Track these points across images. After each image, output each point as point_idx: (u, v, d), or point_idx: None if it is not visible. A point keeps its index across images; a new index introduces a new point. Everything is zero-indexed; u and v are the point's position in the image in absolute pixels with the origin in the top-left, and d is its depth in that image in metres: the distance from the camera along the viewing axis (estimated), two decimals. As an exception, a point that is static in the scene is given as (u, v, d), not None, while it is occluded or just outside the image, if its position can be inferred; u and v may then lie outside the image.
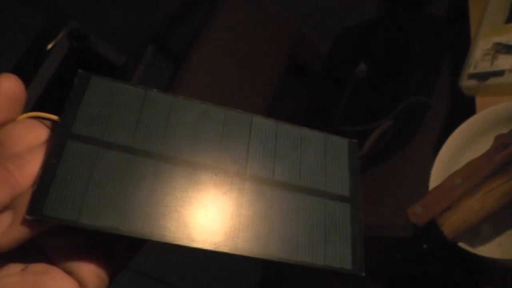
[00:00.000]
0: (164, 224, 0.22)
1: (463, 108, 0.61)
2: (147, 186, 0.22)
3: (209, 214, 0.22)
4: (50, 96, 1.10)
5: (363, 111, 1.09)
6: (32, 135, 0.21)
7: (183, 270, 1.13)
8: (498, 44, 0.55)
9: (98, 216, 0.21)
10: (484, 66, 0.56)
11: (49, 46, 1.22)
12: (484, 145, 0.44)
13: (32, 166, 0.20)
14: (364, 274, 0.24)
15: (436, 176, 0.45)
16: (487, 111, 0.47)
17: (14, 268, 0.21)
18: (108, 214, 0.21)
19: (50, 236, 0.21)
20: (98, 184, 0.21)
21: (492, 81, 0.55)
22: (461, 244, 0.40)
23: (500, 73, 0.54)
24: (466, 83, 0.57)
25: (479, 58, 0.57)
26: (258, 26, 1.17)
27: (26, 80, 1.15)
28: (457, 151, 0.47)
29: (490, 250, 0.41)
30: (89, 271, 0.21)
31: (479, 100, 0.56)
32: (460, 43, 0.85)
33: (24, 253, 0.20)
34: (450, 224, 0.39)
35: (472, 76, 0.57)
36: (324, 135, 0.29)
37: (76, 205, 0.21)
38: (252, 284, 1.26)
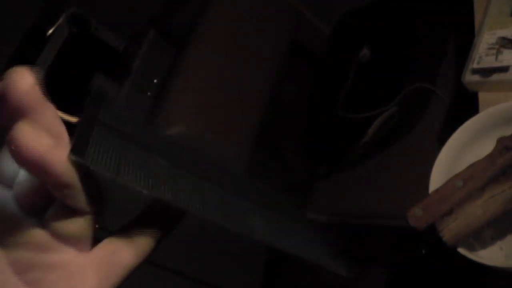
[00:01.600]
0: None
1: (467, 98, 0.61)
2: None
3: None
4: (50, 83, 1.09)
5: (366, 97, 1.08)
6: None
7: (189, 255, 1.14)
8: (503, 38, 0.54)
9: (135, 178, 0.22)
10: (488, 61, 0.55)
11: (49, 32, 1.21)
12: (486, 146, 0.44)
13: None
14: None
15: (437, 177, 0.44)
16: (490, 111, 0.47)
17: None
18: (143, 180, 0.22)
19: None
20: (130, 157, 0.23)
21: (496, 77, 0.54)
22: (461, 250, 0.40)
23: (504, 69, 0.54)
24: (469, 78, 0.56)
25: (483, 53, 0.56)
26: (259, 8, 1.15)
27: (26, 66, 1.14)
28: (458, 152, 0.46)
29: (491, 254, 0.41)
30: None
31: (481, 96, 0.55)
32: (465, 29, 0.83)
33: None
34: (450, 230, 0.39)
35: (476, 71, 0.56)
36: None
37: (114, 165, 0.21)
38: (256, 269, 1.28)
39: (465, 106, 0.54)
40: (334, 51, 1.20)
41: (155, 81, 1.12)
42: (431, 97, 0.88)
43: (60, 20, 1.27)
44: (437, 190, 0.43)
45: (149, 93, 1.10)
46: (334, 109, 0.99)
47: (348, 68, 1.10)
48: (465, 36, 0.73)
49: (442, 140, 0.55)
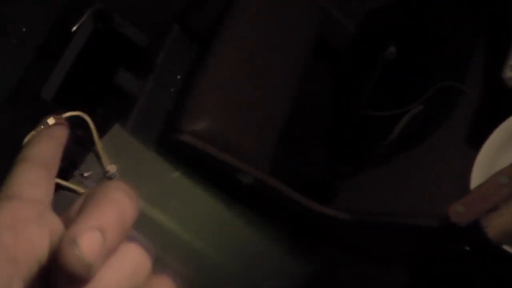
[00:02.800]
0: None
1: (500, 97, 0.59)
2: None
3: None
4: (75, 78, 1.11)
5: (392, 95, 1.07)
6: None
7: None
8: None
9: None
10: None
11: (74, 28, 1.22)
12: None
13: None
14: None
15: (479, 174, 0.43)
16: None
17: None
18: None
19: None
20: None
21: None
22: (506, 247, 0.39)
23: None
24: (508, 73, 0.55)
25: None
26: (285, 5, 1.15)
27: (51, 62, 1.16)
28: (499, 150, 0.45)
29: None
30: None
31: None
32: (495, 26, 0.81)
33: None
34: (496, 227, 0.38)
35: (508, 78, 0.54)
36: None
37: None
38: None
39: (497, 108, 0.53)
40: (360, 49, 1.19)
41: (178, 77, 1.12)
42: (459, 95, 0.87)
43: (85, 16, 1.28)
44: (480, 187, 0.42)
45: (172, 89, 1.10)
46: (358, 107, 0.98)
47: (373, 66, 1.09)
48: (495, 34, 0.71)
49: (471, 139, 0.54)
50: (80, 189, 0.29)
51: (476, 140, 0.59)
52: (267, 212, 0.64)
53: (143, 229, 0.19)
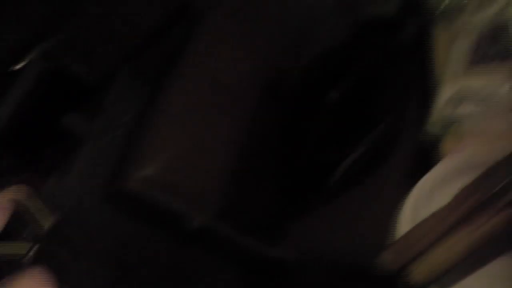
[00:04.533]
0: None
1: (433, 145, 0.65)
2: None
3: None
4: (20, 119, 1.09)
5: (335, 138, 1.13)
6: None
7: None
8: (464, 89, 0.59)
9: None
10: (447, 112, 0.60)
11: (18, 67, 1.21)
12: (451, 193, 0.48)
13: None
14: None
15: (405, 222, 0.48)
16: (450, 160, 0.51)
17: None
18: None
19: None
20: None
21: (455, 128, 0.58)
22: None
23: (462, 119, 0.58)
24: (431, 128, 0.61)
25: (442, 105, 0.60)
26: (237, 49, 1.19)
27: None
28: (424, 199, 0.50)
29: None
30: None
31: (444, 145, 0.60)
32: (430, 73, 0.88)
33: None
34: (418, 273, 0.42)
35: (436, 122, 0.60)
36: None
37: None
38: None
39: (431, 153, 0.59)
40: (304, 92, 1.24)
41: (126, 119, 1.12)
42: (399, 140, 0.93)
43: (32, 54, 1.27)
44: (405, 235, 0.46)
45: (120, 132, 1.10)
46: (303, 149, 1.02)
47: (317, 109, 1.14)
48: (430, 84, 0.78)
49: (409, 183, 0.59)
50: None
51: (413, 184, 0.64)
52: (219, 259, 0.66)
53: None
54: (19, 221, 0.38)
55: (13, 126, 1.12)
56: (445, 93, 0.60)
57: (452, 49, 0.65)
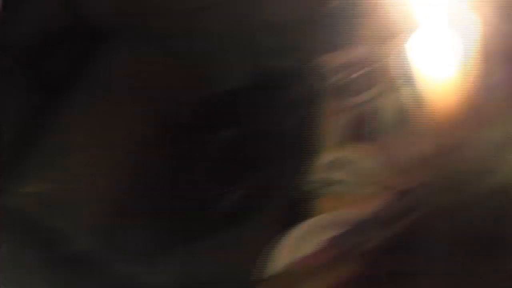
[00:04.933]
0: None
1: (308, 201, 0.75)
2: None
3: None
4: None
5: (217, 176, 1.19)
6: None
7: None
8: (336, 159, 0.70)
9: None
10: (323, 175, 0.70)
11: None
12: (317, 243, 0.56)
13: None
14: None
15: (275, 264, 0.55)
16: (321, 215, 0.61)
17: None
18: None
19: None
20: None
21: (328, 188, 0.69)
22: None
23: (335, 183, 0.69)
24: (307, 187, 0.71)
25: (319, 168, 0.71)
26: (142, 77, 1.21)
27: None
28: (294, 245, 0.58)
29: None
30: None
31: (317, 203, 0.70)
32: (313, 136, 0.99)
33: None
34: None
35: (313, 182, 0.71)
36: None
37: None
38: None
39: (304, 207, 0.68)
40: (196, 129, 1.30)
41: (12, 127, 1.06)
42: (278, 189, 1.03)
43: None
44: (274, 275, 0.53)
45: (6, 138, 1.04)
46: (184, 184, 1.07)
47: (205, 147, 1.20)
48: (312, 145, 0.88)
49: (282, 230, 0.67)
50: None
51: (285, 231, 0.72)
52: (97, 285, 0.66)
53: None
54: None
55: None
56: (323, 158, 0.70)
57: (334, 120, 0.77)
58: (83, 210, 0.87)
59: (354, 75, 0.82)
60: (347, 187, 0.66)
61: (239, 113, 1.33)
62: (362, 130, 0.74)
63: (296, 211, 0.87)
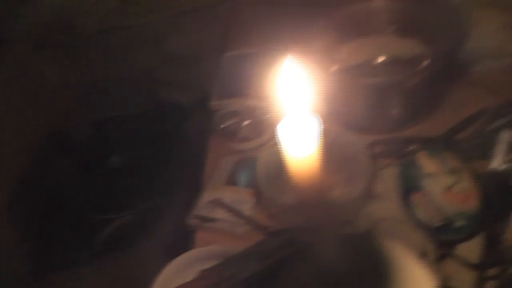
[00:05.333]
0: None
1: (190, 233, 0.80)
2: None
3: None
4: None
5: (107, 201, 1.20)
6: None
7: None
8: (217, 199, 0.78)
9: None
10: (205, 212, 0.77)
11: None
12: (194, 272, 0.63)
13: None
14: None
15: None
16: (194, 251, 0.68)
17: None
18: None
19: None
20: None
21: (209, 224, 0.76)
22: None
23: (215, 220, 0.77)
24: (191, 220, 0.77)
25: (203, 205, 0.78)
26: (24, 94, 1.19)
27: None
28: (175, 273, 0.65)
29: None
30: None
31: (198, 235, 0.76)
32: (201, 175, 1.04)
33: None
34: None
35: (196, 217, 0.77)
36: None
37: None
38: None
39: (188, 238, 0.74)
40: (88, 152, 1.30)
41: None
42: (164, 215, 1.07)
43: None
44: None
45: None
46: (75, 206, 1.07)
47: (97, 171, 1.21)
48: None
49: (165, 258, 0.72)
50: None
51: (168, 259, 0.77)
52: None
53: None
54: None
55: None
56: (206, 197, 0.78)
57: (220, 161, 0.85)
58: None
59: (243, 123, 0.92)
60: (224, 225, 0.74)
61: (130, 141, 1.36)
62: (242, 175, 0.83)
63: (178, 242, 0.93)
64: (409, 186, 0.68)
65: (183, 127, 1.31)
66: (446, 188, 0.67)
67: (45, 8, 1.46)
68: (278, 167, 0.40)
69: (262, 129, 0.91)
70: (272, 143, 0.82)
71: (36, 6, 1.42)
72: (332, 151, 0.79)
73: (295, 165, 0.38)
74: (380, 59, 0.97)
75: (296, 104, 0.34)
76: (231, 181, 0.82)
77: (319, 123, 0.35)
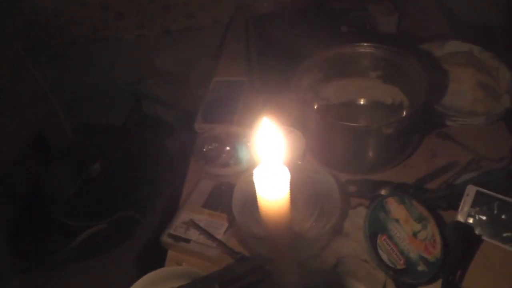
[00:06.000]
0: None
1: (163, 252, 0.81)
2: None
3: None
4: None
5: (84, 208, 1.20)
6: None
7: None
8: (192, 220, 0.80)
9: None
10: (180, 232, 0.79)
11: None
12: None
13: None
14: None
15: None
16: (165, 269, 0.69)
17: None
18: None
19: None
20: None
21: (182, 244, 0.78)
22: None
23: (188, 240, 0.78)
24: (164, 238, 0.79)
25: (178, 224, 0.79)
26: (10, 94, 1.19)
27: None
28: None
29: None
30: None
31: (170, 254, 0.77)
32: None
33: None
34: None
35: (170, 235, 0.79)
36: None
37: None
38: None
39: (157, 258, 0.75)
40: (71, 157, 1.31)
41: None
42: (137, 224, 1.08)
43: None
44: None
45: None
46: (50, 210, 1.07)
47: (77, 177, 1.22)
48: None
49: (136, 273, 0.73)
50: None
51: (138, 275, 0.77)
52: None
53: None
54: None
55: None
56: (182, 217, 0.79)
57: (197, 186, 0.87)
58: None
59: (225, 149, 0.95)
60: (197, 246, 0.75)
61: (110, 151, 1.37)
62: (219, 200, 0.85)
63: (149, 257, 0.94)
64: (376, 228, 0.71)
65: (165, 144, 1.33)
66: (411, 234, 0.71)
67: (38, 11, 1.47)
68: (253, 197, 0.43)
69: (242, 157, 0.94)
70: (250, 173, 0.84)
71: (29, 8, 1.44)
72: (307, 186, 0.82)
73: (266, 205, 0.41)
74: (362, 101, 1.02)
75: (270, 155, 0.38)
76: (208, 204, 0.83)
77: (288, 173, 0.38)
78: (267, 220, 0.42)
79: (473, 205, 0.77)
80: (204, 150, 0.96)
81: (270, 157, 0.38)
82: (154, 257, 0.79)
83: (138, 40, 1.49)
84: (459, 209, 0.77)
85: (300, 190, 0.80)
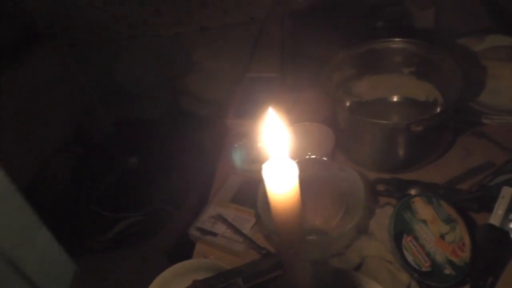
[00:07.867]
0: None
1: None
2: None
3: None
4: None
5: (121, 199, 1.25)
6: None
7: None
8: (220, 214, 0.81)
9: None
10: (208, 225, 0.81)
11: None
12: (187, 281, 0.66)
13: None
14: None
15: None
16: (196, 260, 0.71)
17: None
18: None
19: None
20: None
21: (209, 238, 0.79)
22: None
23: (215, 234, 0.80)
24: (192, 231, 0.80)
25: (206, 218, 0.81)
26: (51, 88, 1.24)
27: None
28: (170, 280, 0.68)
29: None
30: None
31: (198, 247, 0.79)
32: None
33: None
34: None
35: (198, 228, 0.80)
36: None
37: None
38: None
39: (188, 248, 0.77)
40: (110, 150, 1.36)
41: None
42: (170, 218, 1.12)
43: None
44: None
45: None
46: (89, 201, 1.13)
47: (114, 170, 1.27)
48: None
49: (165, 263, 0.75)
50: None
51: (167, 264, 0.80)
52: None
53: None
54: None
55: None
56: (210, 211, 0.81)
57: (226, 181, 0.88)
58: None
59: (255, 145, 0.95)
60: (223, 240, 0.77)
61: (148, 144, 1.41)
62: (247, 195, 0.86)
63: (178, 249, 0.96)
64: (402, 228, 0.70)
65: (199, 139, 1.35)
66: (438, 235, 0.69)
67: (82, 9, 1.53)
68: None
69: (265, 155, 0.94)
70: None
71: (72, 6, 1.49)
72: (333, 184, 0.81)
73: (275, 200, 0.41)
74: (395, 98, 1.00)
75: (279, 148, 0.38)
76: (236, 199, 0.84)
77: (296, 167, 0.38)
78: (276, 215, 0.43)
79: (509, 208, 0.74)
80: (235, 145, 0.97)
81: (277, 151, 0.38)
82: (183, 249, 0.81)
83: (175, 36, 1.52)
84: (493, 211, 0.74)
85: (326, 188, 0.80)
